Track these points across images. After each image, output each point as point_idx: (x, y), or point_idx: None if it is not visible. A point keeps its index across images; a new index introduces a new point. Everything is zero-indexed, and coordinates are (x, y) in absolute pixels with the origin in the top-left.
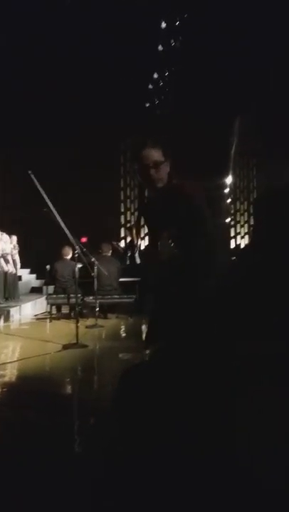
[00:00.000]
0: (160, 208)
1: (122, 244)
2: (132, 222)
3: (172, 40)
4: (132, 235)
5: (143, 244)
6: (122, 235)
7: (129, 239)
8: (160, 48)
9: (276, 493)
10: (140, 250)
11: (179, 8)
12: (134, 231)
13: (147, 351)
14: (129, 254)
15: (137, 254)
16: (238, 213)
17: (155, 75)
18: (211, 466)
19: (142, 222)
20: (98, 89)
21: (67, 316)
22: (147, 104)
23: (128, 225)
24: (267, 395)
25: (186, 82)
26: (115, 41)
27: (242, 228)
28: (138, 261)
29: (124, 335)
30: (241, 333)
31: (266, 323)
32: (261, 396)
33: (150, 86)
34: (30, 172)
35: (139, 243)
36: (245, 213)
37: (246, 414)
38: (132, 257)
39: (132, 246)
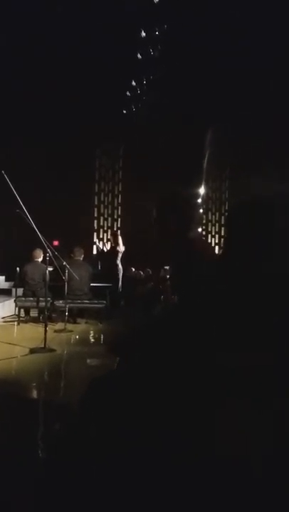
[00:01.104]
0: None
1: (101, 245)
2: (116, 228)
3: (153, 48)
4: (116, 242)
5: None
6: (95, 239)
7: (109, 245)
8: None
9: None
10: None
11: (178, 8)
12: (118, 237)
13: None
14: (101, 260)
15: (118, 261)
16: (209, 224)
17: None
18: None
19: None
20: (76, 93)
21: (35, 320)
22: (129, 109)
23: (117, 231)
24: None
25: (173, 85)
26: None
27: (213, 238)
28: (120, 268)
29: (92, 340)
30: (223, 344)
31: (247, 334)
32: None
33: (130, 92)
34: (3, 172)
35: (122, 250)
36: (217, 224)
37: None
38: (113, 263)
39: (114, 252)
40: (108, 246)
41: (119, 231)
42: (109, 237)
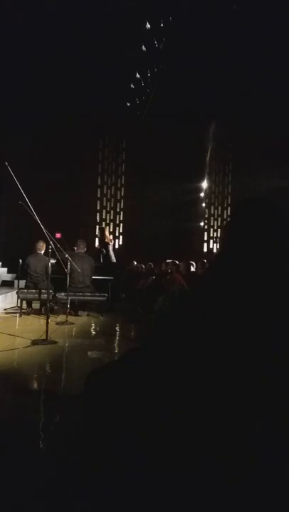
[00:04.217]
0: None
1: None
2: (105, 223)
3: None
4: (103, 235)
5: (116, 244)
6: (97, 232)
7: (100, 238)
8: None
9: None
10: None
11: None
12: (106, 231)
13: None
14: (104, 252)
15: (111, 253)
16: (211, 218)
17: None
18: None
19: None
20: (82, 87)
21: (37, 312)
22: (128, 104)
23: (104, 224)
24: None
25: (172, 82)
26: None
27: (215, 233)
28: (113, 259)
29: (94, 333)
30: (225, 348)
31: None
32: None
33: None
34: (6, 164)
35: (112, 243)
36: (219, 218)
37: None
38: (106, 256)
39: (104, 245)
40: (97, 242)
41: (104, 224)
42: (97, 232)
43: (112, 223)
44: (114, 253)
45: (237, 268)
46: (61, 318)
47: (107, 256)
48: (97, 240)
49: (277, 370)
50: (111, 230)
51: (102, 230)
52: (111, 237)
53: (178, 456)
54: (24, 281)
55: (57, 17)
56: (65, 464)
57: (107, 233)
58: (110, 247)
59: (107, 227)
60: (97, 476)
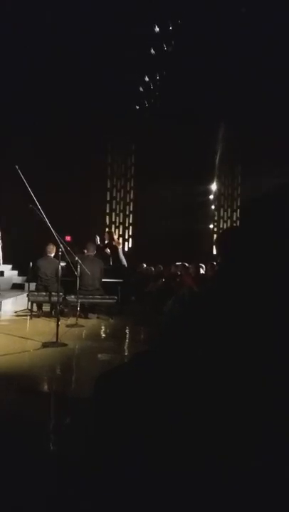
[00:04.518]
0: None
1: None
2: (128, 224)
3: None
4: (111, 239)
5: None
6: (105, 236)
7: (107, 241)
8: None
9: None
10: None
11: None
12: (114, 235)
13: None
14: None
15: (121, 256)
16: (221, 220)
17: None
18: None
19: None
20: (88, 90)
21: (48, 314)
22: (137, 107)
23: (113, 227)
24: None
25: (177, 84)
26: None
27: None
28: (124, 262)
29: (104, 335)
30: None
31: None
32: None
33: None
34: (17, 167)
35: (120, 246)
36: (228, 220)
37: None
38: (116, 258)
39: (113, 248)
40: (99, 241)
41: (113, 227)
42: (104, 235)
43: (121, 225)
44: (125, 256)
45: (238, 269)
46: (71, 320)
47: (117, 259)
48: (105, 242)
49: (277, 370)
50: (120, 233)
51: (110, 234)
52: (120, 240)
53: (178, 456)
54: (35, 283)
55: (57, 17)
56: (65, 463)
57: (115, 237)
58: (120, 250)
59: (115, 231)
60: (97, 476)
